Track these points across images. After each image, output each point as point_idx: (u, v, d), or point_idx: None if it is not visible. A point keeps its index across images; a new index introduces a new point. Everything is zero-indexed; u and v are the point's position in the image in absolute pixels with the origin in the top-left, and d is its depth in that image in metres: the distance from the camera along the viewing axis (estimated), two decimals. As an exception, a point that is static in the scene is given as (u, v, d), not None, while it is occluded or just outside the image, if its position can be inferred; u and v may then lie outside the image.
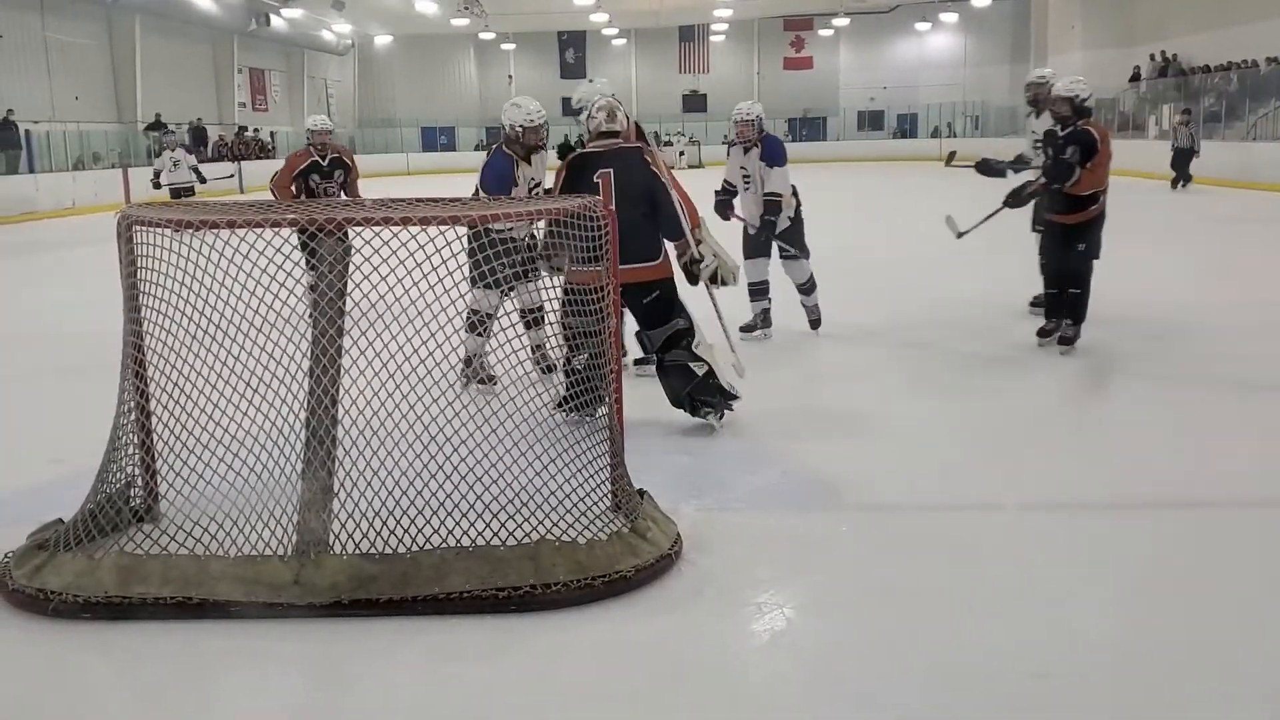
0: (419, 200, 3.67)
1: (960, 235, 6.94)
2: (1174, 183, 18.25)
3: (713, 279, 5.03)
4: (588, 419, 3.92)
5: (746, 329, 6.74)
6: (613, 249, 3.71)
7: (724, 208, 6.74)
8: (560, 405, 4.37)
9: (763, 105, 6.81)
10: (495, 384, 4.68)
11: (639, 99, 38.96)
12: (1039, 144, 7.24)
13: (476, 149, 32.38)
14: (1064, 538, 3.65)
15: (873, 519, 3.86)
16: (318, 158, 7.78)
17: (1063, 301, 6.19)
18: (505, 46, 39.39)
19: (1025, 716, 2.58)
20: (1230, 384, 5.60)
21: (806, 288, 6.79)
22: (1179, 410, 5.16)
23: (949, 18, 37.22)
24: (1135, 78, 27.33)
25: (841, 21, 37.52)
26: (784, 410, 5.25)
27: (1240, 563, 3.41)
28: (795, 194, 6.59)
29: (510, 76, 38.10)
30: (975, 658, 2.82)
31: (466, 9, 32.93)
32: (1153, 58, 26.97)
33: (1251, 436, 4.70)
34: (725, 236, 5.46)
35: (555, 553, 3.17)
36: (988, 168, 7.07)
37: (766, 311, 6.78)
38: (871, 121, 38.53)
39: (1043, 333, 6.30)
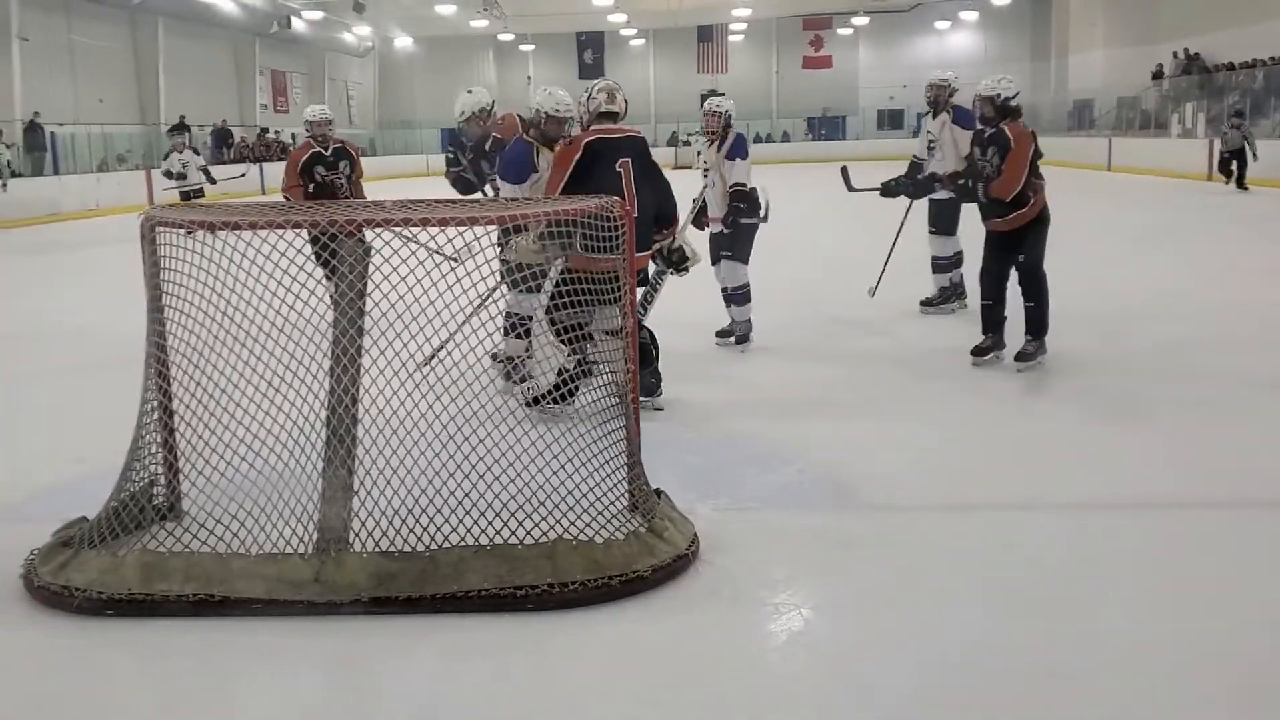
0: (438, 201, 3.70)
1: (874, 293, 6.77)
2: (1238, 182, 17.63)
3: (679, 267, 5.11)
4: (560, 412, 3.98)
5: (724, 334, 6.65)
6: (629, 248, 3.72)
7: (701, 216, 6.48)
8: (534, 401, 4.48)
9: (734, 103, 6.65)
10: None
11: (657, 99, 38.96)
12: (933, 144, 7.27)
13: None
14: (1078, 537, 3.64)
15: (888, 519, 3.86)
16: (319, 148, 7.42)
17: (996, 318, 5.82)
18: (524, 48, 39.48)
19: (1042, 715, 2.58)
20: (1237, 383, 5.58)
21: (739, 296, 6.48)
22: (1188, 410, 5.13)
23: (969, 16, 37.05)
24: (1158, 75, 27.14)
25: (861, 20, 37.40)
26: (795, 410, 5.26)
27: (1252, 563, 3.39)
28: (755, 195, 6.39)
29: (529, 77, 38.15)
30: (991, 657, 2.82)
31: (486, 11, 33.00)
32: (1175, 55, 26.76)
33: (1254, 436, 4.69)
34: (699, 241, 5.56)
35: (572, 552, 3.19)
36: (890, 190, 6.82)
37: (748, 317, 6.61)
38: (891, 120, 38.37)
39: (977, 351, 5.85)
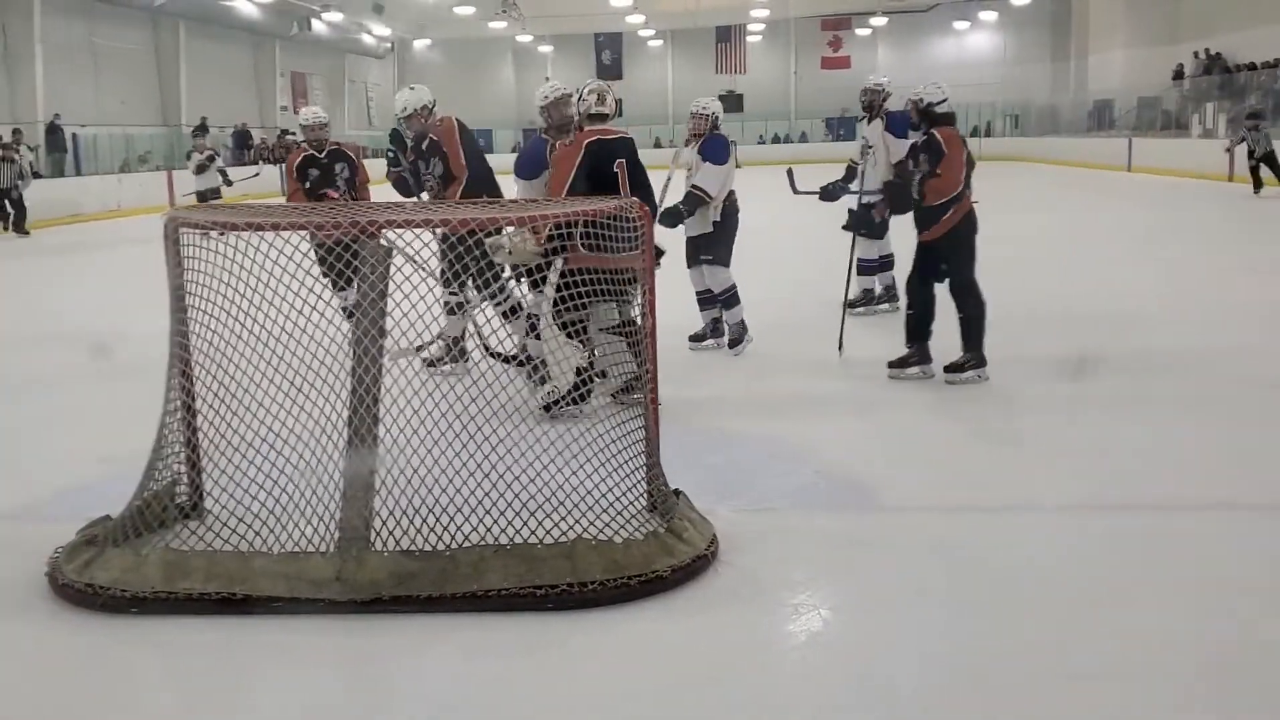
0: (459, 202, 3.72)
1: (841, 351, 6.56)
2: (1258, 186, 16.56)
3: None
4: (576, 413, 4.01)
5: (696, 338, 6.56)
6: (648, 248, 3.73)
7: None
8: (553, 405, 4.49)
9: (721, 105, 6.61)
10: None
11: (675, 100, 38.95)
12: (868, 150, 7.25)
13: (512, 151, 32.60)
14: (1099, 538, 3.62)
15: (905, 520, 3.85)
16: (313, 151, 7.05)
17: (919, 329, 5.63)
18: (542, 49, 39.56)
19: (1058, 716, 2.57)
20: (1246, 383, 5.55)
21: (728, 300, 6.35)
22: (1203, 409, 5.12)
23: (988, 16, 36.88)
24: (1179, 75, 26.96)
25: (879, 21, 37.31)
26: (810, 411, 5.27)
27: (1258, 565, 3.38)
28: (733, 201, 6.32)
29: (547, 78, 38.19)
30: (1009, 659, 2.82)
31: (504, 12, 33.09)
32: (1196, 55, 26.58)
33: (1258, 437, 4.68)
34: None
35: (592, 551, 3.19)
36: (828, 194, 6.92)
37: (717, 321, 6.54)
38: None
39: (895, 364, 5.70)
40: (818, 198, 6.94)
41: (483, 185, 5.75)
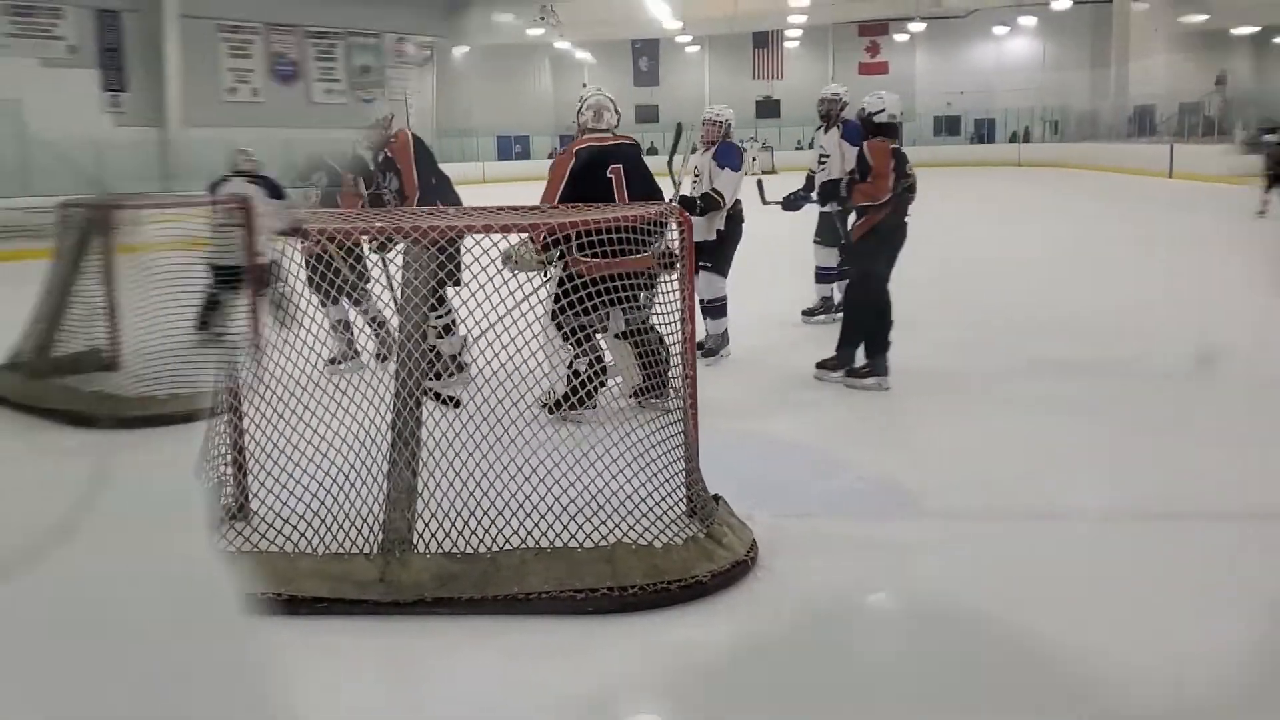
0: (500, 209, 3.75)
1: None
2: None
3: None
4: (579, 418, 4.02)
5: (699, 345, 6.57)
6: (689, 254, 3.75)
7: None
8: (556, 406, 4.49)
9: (734, 113, 6.71)
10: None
11: (712, 105, 38.94)
12: (825, 159, 7.30)
13: (549, 156, 32.76)
14: (1142, 548, 3.59)
15: (946, 527, 3.83)
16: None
17: (849, 336, 5.72)
18: (580, 56, 39.72)
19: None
20: (1257, 388, 5.51)
21: (715, 309, 6.38)
22: (1215, 416, 5.09)
23: (1027, 21, 36.61)
24: (1221, 81, 26.60)
25: (917, 27, 37.11)
26: (847, 415, 5.28)
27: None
28: (739, 210, 6.36)
29: (584, 84, 38.38)
30: (1055, 667, 2.79)
31: (542, 19, 33.28)
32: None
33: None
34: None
35: (631, 555, 3.21)
36: (790, 203, 7.14)
37: (724, 330, 6.53)
38: (949, 127, 38.03)
39: (821, 364, 5.80)
40: (780, 208, 7.13)
41: (437, 201, 5.67)
